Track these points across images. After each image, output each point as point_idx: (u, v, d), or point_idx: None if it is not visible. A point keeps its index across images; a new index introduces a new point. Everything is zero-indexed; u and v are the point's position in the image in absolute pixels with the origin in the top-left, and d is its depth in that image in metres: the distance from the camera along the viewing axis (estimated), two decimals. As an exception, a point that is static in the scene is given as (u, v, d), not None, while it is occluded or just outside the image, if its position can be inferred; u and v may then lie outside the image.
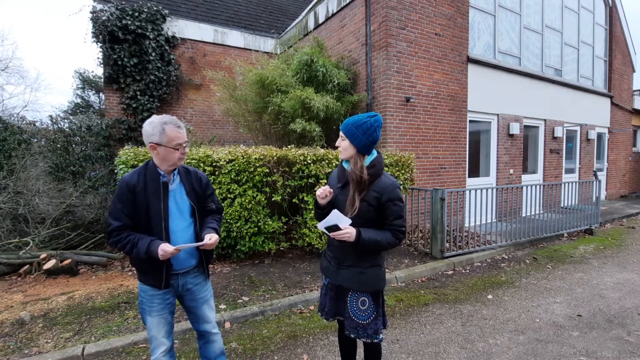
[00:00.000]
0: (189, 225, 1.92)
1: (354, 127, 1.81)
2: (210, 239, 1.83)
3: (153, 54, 7.68)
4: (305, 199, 4.66)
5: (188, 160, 4.24)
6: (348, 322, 1.92)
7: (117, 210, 1.78)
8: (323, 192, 1.85)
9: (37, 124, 7.15)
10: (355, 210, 1.79)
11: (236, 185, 4.36)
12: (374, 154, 1.90)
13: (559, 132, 9.27)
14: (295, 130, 5.67)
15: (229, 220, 4.37)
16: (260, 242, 4.61)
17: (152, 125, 1.79)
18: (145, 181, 1.83)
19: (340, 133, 1.86)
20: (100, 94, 14.92)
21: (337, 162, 4.81)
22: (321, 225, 1.75)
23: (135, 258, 1.82)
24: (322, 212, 1.91)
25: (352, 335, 1.92)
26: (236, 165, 4.33)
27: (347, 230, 1.73)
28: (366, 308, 1.90)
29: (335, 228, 1.73)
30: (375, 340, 1.91)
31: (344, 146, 1.85)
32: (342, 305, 1.97)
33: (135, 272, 4.57)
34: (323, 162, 4.69)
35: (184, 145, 1.84)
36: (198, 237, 1.93)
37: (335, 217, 1.70)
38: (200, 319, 2.06)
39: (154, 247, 1.72)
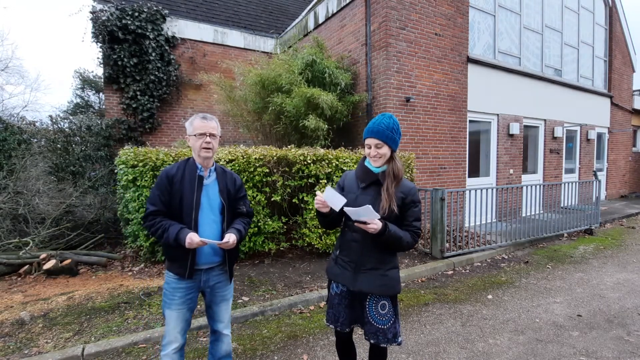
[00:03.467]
0: (217, 222, 2.00)
1: (390, 132, 1.81)
2: (229, 240, 1.89)
3: (153, 54, 7.67)
4: (305, 199, 4.66)
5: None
6: (367, 328, 1.86)
7: (155, 196, 1.93)
8: (322, 204, 1.77)
9: (37, 124, 7.15)
10: (395, 208, 1.77)
11: (236, 185, 4.36)
12: None
13: (559, 132, 9.27)
14: (308, 127, 5.61)
15: (229, 220, 4.37)
16: (260, 242, 4.61)
17: (188, 120, 2.00)
18: (183, 173, 1.97)
19: (376, 142, 1.81)
20: (100, 94, 14.89)
21: (337, 163, 4.81)
22: (352, 214, 1.71)
23: (165, 243, 1.92)
24: (325, 218, 1.88)
25: (371, 341, 1.86)
26: (236, 165, 4.33)
27: (375, 222, 1.70)
28: (386, 312, 1.86)
29: (363, 222, 1.72)
30: (395, 344, 1.86)
31: (383, 152, 1.82)
32: (359, 311, 1.91)
33: (135, 272, 4.58)
34: (323, 162, 4.69)
35: (207, 134, 1.94)
36: (224, 235, 1.98)
37: (368, 211, 1.66)
38: (216, 315, 2.12)
39: (182, 235, 1.82)
